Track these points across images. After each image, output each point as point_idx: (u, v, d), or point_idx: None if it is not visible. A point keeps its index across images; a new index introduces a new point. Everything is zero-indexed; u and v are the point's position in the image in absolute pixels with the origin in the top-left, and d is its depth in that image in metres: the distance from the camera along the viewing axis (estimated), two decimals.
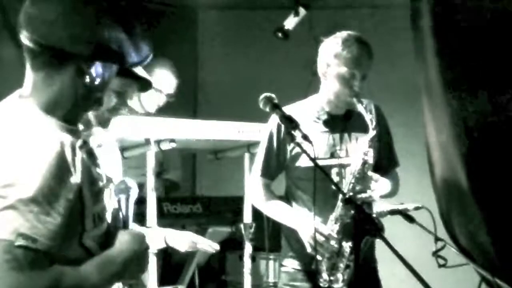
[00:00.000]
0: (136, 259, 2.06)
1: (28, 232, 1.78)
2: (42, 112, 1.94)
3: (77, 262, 1.92)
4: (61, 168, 1.86)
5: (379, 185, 3.56)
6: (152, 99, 5.10)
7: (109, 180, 2.23)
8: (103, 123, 2.68)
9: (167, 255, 4.89)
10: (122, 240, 2.04)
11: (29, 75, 2.00)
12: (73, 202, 1.88)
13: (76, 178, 1.90)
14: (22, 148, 1.85)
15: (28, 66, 2.00)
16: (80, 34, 1.93)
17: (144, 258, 2.13)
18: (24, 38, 1.95)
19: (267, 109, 3.19)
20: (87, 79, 1.97)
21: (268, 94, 3.19)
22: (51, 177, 1.83)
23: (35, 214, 1.80)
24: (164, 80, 5.14)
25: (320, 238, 3.40)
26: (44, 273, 1.82)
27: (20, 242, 1.77)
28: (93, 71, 1.97)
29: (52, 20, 1.92)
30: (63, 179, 1.86)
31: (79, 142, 1.98)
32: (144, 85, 2.36)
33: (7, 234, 1.78)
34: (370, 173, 3.52)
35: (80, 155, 1.96)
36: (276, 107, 3.16)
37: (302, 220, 3.53)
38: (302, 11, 5.66)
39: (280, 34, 5.68)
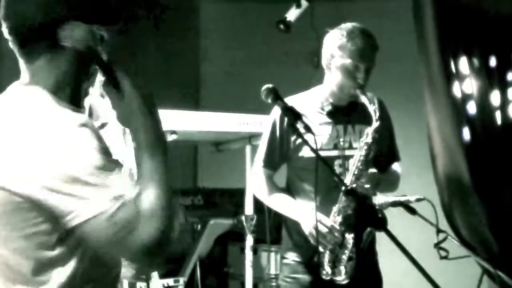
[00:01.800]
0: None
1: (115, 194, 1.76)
2: (52, 96, 1.91)
3: None
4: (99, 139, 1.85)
5: (381, 179, 3.56)
6: None
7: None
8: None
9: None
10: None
11: (25, 68, 1.98)
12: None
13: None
14: (54, 133, 1.80)
15: (22, 60, 1.97)
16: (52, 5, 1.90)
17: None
18: (9, 32, 1.93)
19: (269, 101, 3.18)
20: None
21: (270, 85, 3.18)
22: (98, 144, 1.82)
23: (106, 177, 1.78)
24: None
25: (323, 229, 3.40)
26: (136, 211, 1.78)
27: (117, 204, 1.75)
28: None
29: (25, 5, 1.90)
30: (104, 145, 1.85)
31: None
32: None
33: (100, 208, 1.75)
34: (371, 170, 3.51)
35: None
36: (278, 98, 3.16)
37: (304, 212, 3.53)
38: (304, 3, 5.64)
39: (282, 26, 5.67)
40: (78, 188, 1.75)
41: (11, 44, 1.96)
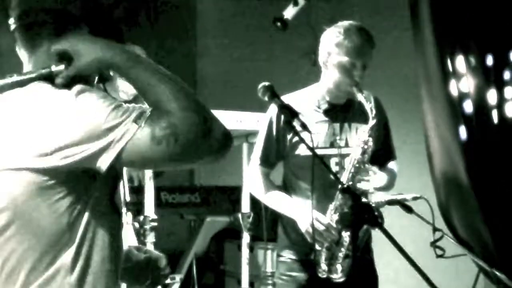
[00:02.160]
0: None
1: (135, 115, 1.78)
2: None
3: None
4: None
5: (377, 177, 3.56)
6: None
7: None
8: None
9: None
10: None
11: (27, 59, 2.01)
12: None
13: None
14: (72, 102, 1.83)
15: (24, 52, 2.01)
16: None
17: None
18: (19, 17, 1.98)
19: (266, 98, 3.18)
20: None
21: (267, 83, 3.18)
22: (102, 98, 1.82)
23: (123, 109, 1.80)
24: None
25: (320, 227, 3.40)
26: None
27: (142, 121, 1.77)
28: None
29: None
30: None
31: None
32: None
33: (131, 131, 1.77)
34: (368, 166, 3.51)
35: None
36: (274, 96, 3.15)
37: (301, 211, 3.53)
38: (301, 1, 5.63)
39: (279, 24, 5.65)
40: (101, 134, 1.78)
41: (16, 34, 1.99)
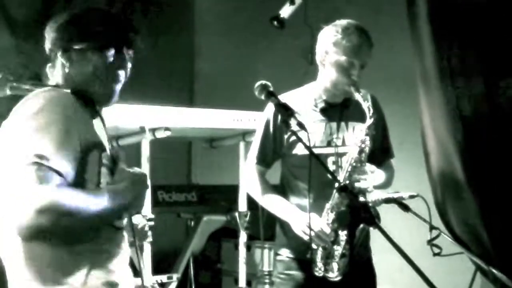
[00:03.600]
0: (141, 195, 2.40)
1: (44, 153, 2.14)
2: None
3: None
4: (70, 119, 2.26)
5: (375, 176, 3.56)
6: None
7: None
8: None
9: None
10: (128, 177, 2.37)
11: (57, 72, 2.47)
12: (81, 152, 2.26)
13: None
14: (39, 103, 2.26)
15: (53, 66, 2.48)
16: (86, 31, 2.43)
17: (145, 194, 2.44)
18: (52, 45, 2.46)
19: (262, 97, 3.17)
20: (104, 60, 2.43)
21: (263, 81, 3.17)
22: (66, 121, 2.23)
23: (53, 141, 2.17)
24: None
25: (315, 228, 3.40)
26: (53, 188, 2.13)
27: (35, 159, 2.13)
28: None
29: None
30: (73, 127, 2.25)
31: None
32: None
33: (28, 154, 2.15)
34: (365, 164, 3.51)
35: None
36: (271, 95, 3.15)
37: (294, 215, 3.53)
38: (297, 0, 5.64)
39: (275, 23, 5.66)
40: None
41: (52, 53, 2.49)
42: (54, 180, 2.13)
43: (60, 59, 2.42)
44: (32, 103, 2.27)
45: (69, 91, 2.35)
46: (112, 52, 2.44)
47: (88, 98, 2.41)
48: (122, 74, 2.49)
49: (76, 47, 2.40)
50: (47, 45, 2.46)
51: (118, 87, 2.50)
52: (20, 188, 2.10)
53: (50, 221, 2.09)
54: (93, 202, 2.20)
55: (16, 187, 2.11)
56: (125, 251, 2.48)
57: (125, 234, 2.49)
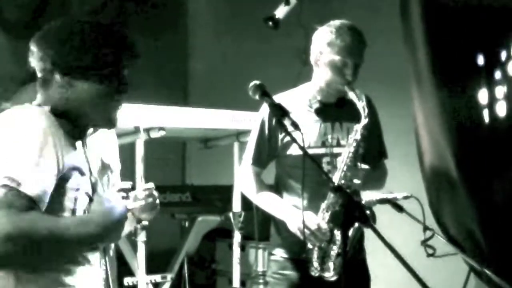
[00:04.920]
0: (115, 227, 2.28)
1: (16, 177, 2.03)
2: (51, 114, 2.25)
3: None
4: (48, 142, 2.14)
5: (369, 176, 3.56)
6: None
7: (106, 166, 2.33)
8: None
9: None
10: (105, 208, 2.29)
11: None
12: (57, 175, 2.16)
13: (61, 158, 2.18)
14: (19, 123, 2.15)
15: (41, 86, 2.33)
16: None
17: (122, 226, 2.33)
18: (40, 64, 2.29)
19: (257, 97, 3.17)
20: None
21: (257, 82, 3.17)
22: (43, 142, 2.12)
23: (27, 163, 2.07)
24: None
25: (311, 226, 3.40)
26: (22, 214, 2.02)
27: (6, 182, 2.02)
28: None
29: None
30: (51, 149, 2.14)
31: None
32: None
33: None
34: (360, 165, 3.52)
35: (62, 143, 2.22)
36: (265, 95, 3.15)
37: (290, 212, 3.53)
38: (292, 0, 5.64)
39: (270, 23, 5.66)
40: None
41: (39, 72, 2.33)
42: (24, 205, 2.02)
43: (58, 81, 2.26)
44: (8, 120, 2.16)
45: (47, 109, 2.23)
46: (117, 78, 2.35)
47: (77, 121, 2.30)
48: (124, 97, 2.40)
49: (81, 71, 2.26)
50: (40, 62, 2.28)
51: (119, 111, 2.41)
52: None
53: (15, 250, 1.99)
54: (61, 231, 2.09)
55: None
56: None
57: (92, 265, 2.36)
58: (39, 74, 2.30)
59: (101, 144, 2.48)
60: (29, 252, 2.05)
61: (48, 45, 2.27)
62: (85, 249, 2.30)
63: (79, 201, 2.25)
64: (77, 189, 2.23)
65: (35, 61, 2.29)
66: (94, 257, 2.38)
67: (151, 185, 2.87)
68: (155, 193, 2.86)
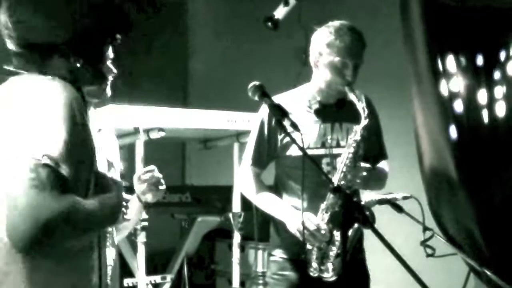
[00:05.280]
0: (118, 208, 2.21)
1: (54, 155, 1.89)
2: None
3: None
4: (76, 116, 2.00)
5: (369, 176, 3.56)
6: None
7: (110, 164, 2.31)
8: (97, 94, 2.68)
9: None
10: (114, 190, 2.18)
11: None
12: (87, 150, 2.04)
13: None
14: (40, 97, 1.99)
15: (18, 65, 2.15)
16: (58, 24, 2.08)
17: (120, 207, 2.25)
18: (9, 42, 2.11)
19: (256, 98, 3.17)
20: (77, 63, 2.12)
21: (257, 82, 3.17)
22: (75, 118, 1.98)
23: (62, 143, 1.92)
24: None
25: (311, 227, 3.40)
26: (62, 197, 1.90)
27: (46, 161, 1.87)
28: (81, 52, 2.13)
29: (28, 19, 2.07)
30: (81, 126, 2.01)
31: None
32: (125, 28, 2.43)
33: (36, 154, 1.88)
34: (362, 163, 3.52)
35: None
36: (265, 96, 3.15)
37: (290, 213, 3.53)
38: (292, 1, 5.64)
39: (269, 24, 5.66)
40: None
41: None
42: (63, 187, 1.90)
43: (64, 51, 2.13)
44: (35, 92, 2.01)
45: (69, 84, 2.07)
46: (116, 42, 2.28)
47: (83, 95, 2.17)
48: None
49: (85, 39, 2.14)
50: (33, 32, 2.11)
51: None
52: (26, 194, 1.85)
53: (59, 235, 1.90)
54: (94, 212, 2.02)
55: (21, 193, 1.85)
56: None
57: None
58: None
59: (105, 143, 2.47)
60: (69, 236, 1.97)
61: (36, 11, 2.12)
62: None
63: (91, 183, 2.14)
64: (92, 171, 2.12)
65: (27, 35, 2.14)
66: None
67: (152, 167, 2.87)
68: (157, 173, 2.87)
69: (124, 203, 2.53)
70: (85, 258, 2.15)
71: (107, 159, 2.48)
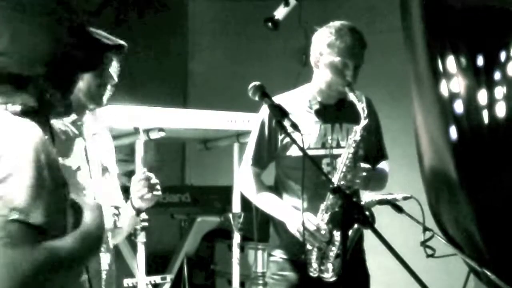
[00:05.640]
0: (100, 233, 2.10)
1: (21, 206, 1.78)
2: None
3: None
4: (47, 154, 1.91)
5: (370, 176, 3.56)
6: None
7: (105, 169, 2.30)
8: (96, 99, 2.69)
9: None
10: (92, 216, 2.07)
11: None
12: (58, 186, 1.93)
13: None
14: (10, 137, 1.88)
15: None
16: (34, 56, 1.99)
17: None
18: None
19: (256, 98, 3.18)
20: (50, 94, 2.03)
21: (257, 82, 3.18)
22: (41, 161, 1.86)
23: (28, 189, 1.81)
24: None
25: (311, 227, 3.40)
26: (36, 248, 1.82)
27: (14, 216, 1.77)
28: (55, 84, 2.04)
29: (2, 51, 1.97)
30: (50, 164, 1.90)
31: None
32: (118, 49, 2.45)
33: (1, 210, 1.77)
34: (361, 164, 3.52)
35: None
36: (265, 96, 3.15)
37: (290, 213, 3.53)
38: (292, 1, 5.63)
39: (270, 25, 5.66)
40: None
41: None
42: (37, 237, 1.82)
43: (38, 83, 2.05)
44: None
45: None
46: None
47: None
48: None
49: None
50: None
51: None
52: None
53: (41, 285, 1.82)
54: (81, 245, 1.95)
55: None
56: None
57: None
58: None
59: (100, 147, 2.46)
60: (52, 282, 1.88)
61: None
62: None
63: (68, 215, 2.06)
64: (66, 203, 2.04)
65: None
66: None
67: (148, 173, 2.87)
68: (154, 179, 2.87)
69: (116, 211, 2.52)
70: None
71: (102, 163, 2.48)
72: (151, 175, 2.98)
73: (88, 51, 2.12)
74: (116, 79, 2.73)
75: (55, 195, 1.92)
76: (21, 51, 2.00)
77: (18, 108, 2.00)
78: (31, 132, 1.93)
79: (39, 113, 2.03)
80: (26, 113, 2.01)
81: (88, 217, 2.05)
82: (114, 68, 2.77)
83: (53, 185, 1.91)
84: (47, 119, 2.12)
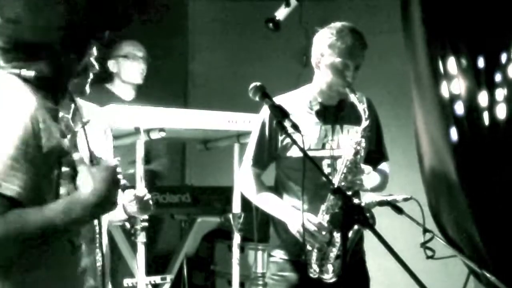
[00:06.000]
0: (106, 198, 2.08)
1: None
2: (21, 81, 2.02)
3: None
4: (33, 130, 1.95)
5: (370, 177, 3.56)
6: (133, 69, 5.22)
7: (94, 158, 2.27)
8: (79, 88, 2.66)
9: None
10: (92, 180, 2.07)
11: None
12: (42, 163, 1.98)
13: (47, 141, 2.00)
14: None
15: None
16: (47, 24, 2.03)
17: (115, 192, 2.14)
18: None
19: (257, 98, 3.18)
20: (63, 60, 2.07)
21: (258, 83, 3.18)
22: (26, 134, 1.92)
23: (3, 162, 1.88)
24: (134, 47, 5.25)
25: (311, 228, 3.40)
26: (6, 215, 1.90)
27: None
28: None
29: (16, 18, 2.02)
30: (34, 139, 1.96)
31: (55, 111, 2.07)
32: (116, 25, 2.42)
33: None
34: (362, 165, 3.52)
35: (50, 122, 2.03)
36: (266, 96, 3.15)
37: (291, 213, 3.53)
38: (293, 2, 5.62)
39: (270, 25, 5.65)
40: None
41: None
42: (5, 206, 1.90)
43: (52, 50, 2.10)
44: None
45: (14, 74, 2.04)
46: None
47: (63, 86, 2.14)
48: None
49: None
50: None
51: None
52: None
53: (9, 252, 1.91)
54: (44, 223, 1.95)
55: None
56: (83, 273, 2.24)
57: (83, 251, 2.24)
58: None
59: (96, 137, 2.44)
60: (23, 249, 1.96)
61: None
62: (71, 235, 2.16)
63: (62, 184, 2.10)
64: (59, 173, 2.08)
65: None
66: (91, 248, 2.28)
67: (145, 191, 2.88)
68: (148, 196, 2.88)
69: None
70: (58, 266, 2.12)
71: (92, 152, 2.45)
72: (143, 192, 2.99)
73: (102, 16, 2.19)
74: (97, 66, 2.70)
75: (40, 167, 1.96)
76: (35, 18, 2.01)
77: (32, 73, 2.01)
78: (21, 104, 1.97)
79: (55, 80, 2.07)
80: (40, 79, 2.05)
81: (89, 189, 2.05)
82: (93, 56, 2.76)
83: (40, 157, 1.96)
84: (66, 88, 2.16)
